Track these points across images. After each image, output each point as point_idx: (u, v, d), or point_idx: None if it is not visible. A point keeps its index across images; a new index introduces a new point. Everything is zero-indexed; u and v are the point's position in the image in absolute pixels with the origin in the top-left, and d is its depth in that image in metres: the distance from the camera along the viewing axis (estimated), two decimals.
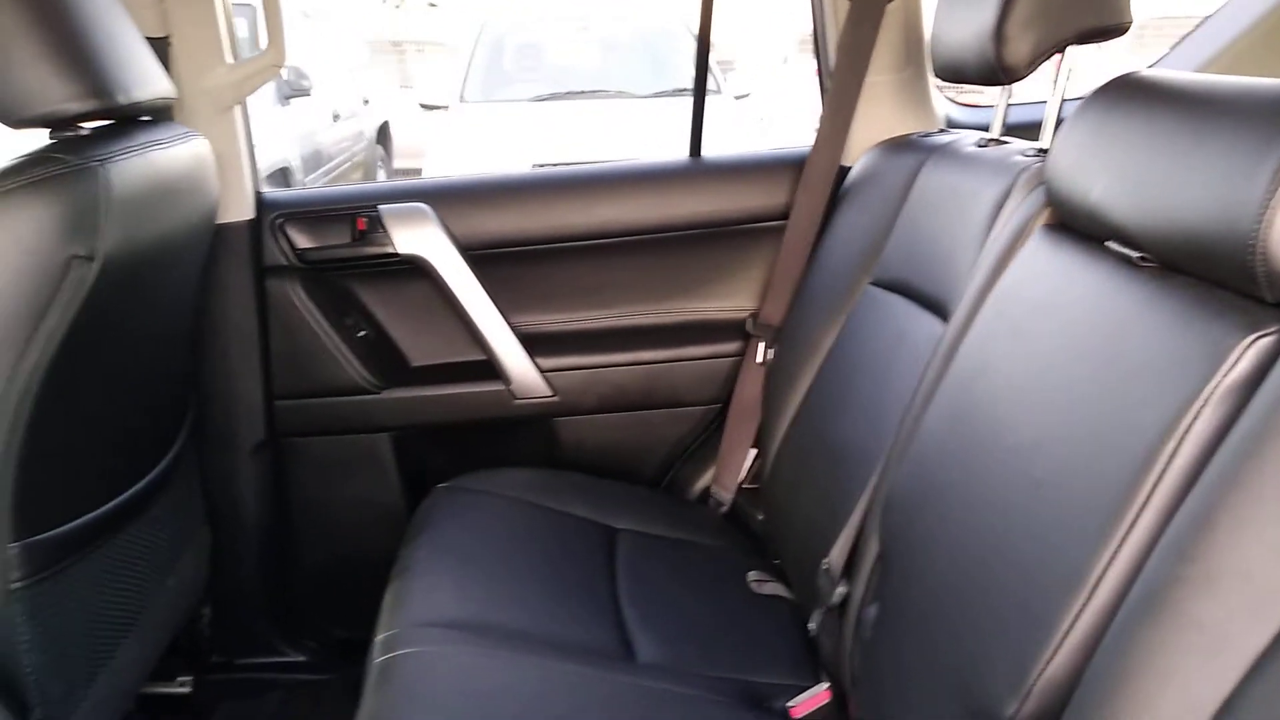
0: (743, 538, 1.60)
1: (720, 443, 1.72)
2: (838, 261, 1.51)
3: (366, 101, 7.06)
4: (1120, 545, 0.71)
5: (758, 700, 1.17)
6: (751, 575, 1.44)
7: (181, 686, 1.63)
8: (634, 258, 1.72)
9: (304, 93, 5.41)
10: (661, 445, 1.78)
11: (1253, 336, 0.67)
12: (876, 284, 1.36)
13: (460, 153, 4.87)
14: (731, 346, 1.72)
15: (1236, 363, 0.67)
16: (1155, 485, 0.70)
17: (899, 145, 1.48)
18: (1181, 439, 0.69)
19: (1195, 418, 0.68)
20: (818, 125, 1.60)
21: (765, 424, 1.58)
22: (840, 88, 1.57)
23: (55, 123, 1.06)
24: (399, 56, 11.21)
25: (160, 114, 1.26)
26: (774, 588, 1.41)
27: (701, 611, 1.33)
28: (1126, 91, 0.89)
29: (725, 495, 1.70)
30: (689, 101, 1.77)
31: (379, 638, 1.17)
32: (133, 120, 1.19)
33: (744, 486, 1.69)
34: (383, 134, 7.28)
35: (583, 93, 5.45)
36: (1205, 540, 0.63)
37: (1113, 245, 0.85)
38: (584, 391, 1.72)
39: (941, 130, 1.56)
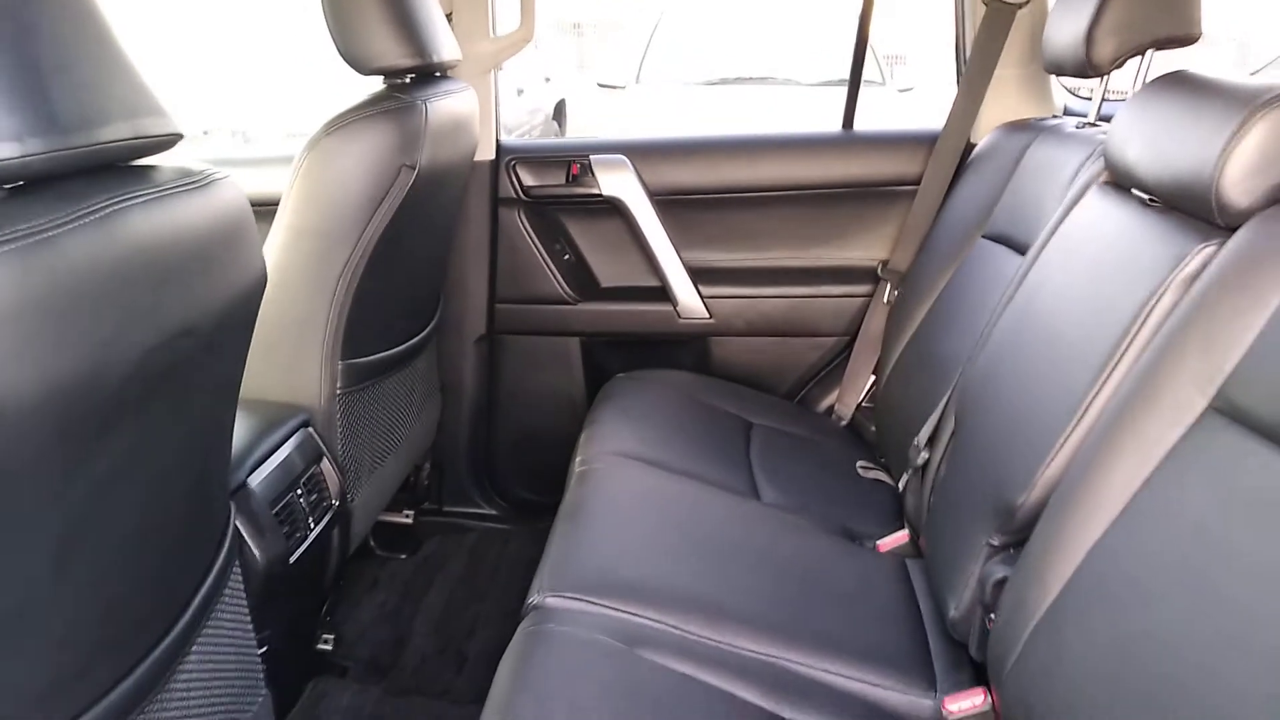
0: (858, 443, 1.96)
1: (845, 368, 2.08)
2: (958, 220, 1.84)
3: (547, 79, 7.58)
4: (1102, 384, 1.05)
5: (853, 536, 1.54)
6: (860, 463, 1.80)
7: (405, 517, 2.12)
8: (787, 209, 2.09)
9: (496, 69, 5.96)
10: (796, 367, 2.15)
11: (1201, 245, 1.00)
12: (986, 237, 1.68)
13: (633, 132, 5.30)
14: (863, 288, 2.07)
15: (1188, 263, 1.01)
16: (1128, 345, 1.04)
17: (1018, 126, 1.80)
18: (1148, 315, 1.03)
19: (1158, 300, 1.02)
20: (950, 108, 1.93)
21: (884, 354, 1.92)
22: (972, 77, 1.89)
23: (390, 73, 1.52)
24: (578, 37, 11.76)
25: (446, 70, 1.71)
26: (877, 474, 1.77)
27: (815, 478, 1.71)
28: (1168, 85, 1.21)
29: (846, 412, 2.06)
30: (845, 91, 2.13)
31: (575, 461, 1.59)
32: (434, 74, 1.65)
33: (862, 406, 2.05)
34: (559, 111, 7.78)
35: (752, 79, 5.79)
36: (1152, 375, 0.97)
37: (1136, 192, 1.18)
38: (735, 316, 2.11)
39: (1055, 116, 1.86)
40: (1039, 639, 1.01)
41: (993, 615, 1.13)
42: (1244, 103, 1.00)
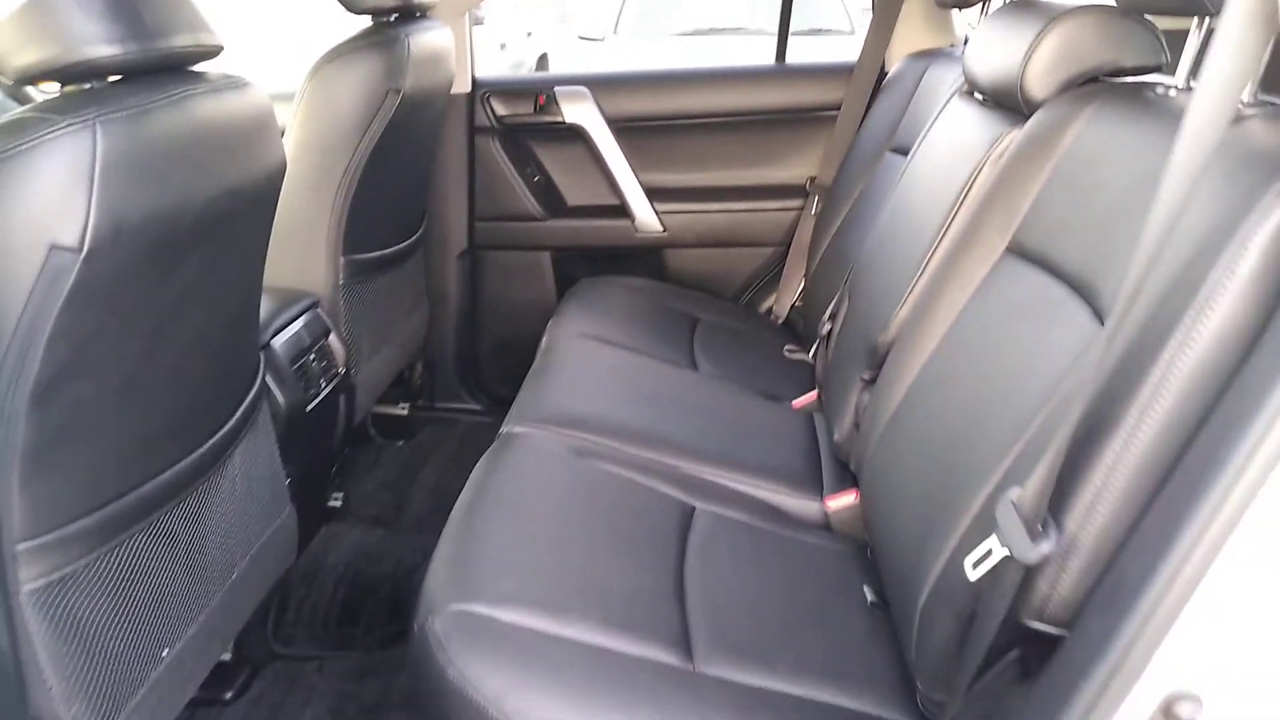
0: (789, 335, 2.26)
1: (781, 273, 2.38)
2: (871, 137, 2.13)
3: (529, 34, 7.80)
4: (939, 242, 1.36)
5: (773, 398, 1.85)
6: (787, 347, 2.11)
7: (401, 410, 2.43)
8: (730, 133, 2.39)
9: (477, 23, 6.20)
10: (740, 274, 2.46)
11: (1010, 129, 1.30)
12: (892, 150, 1.98)
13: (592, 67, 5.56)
14: (795, 202, 2.37)
15: (1000, 144, 1.31)
16: (957, 210, 1.35)
17: (922, 55, 2.09)
18: (971, 185, 1.33)
19: (979, 172, 1.32)
20: (864, 39, 2.22)
21: (810, 258, 2.23)
22: (882, 13, 2.18)
23: (377, 12, 1.80)
24: None
25: (426, 10, 1.98)
26: (801, 355, 2.08)
27: (746, 359, 2.01)
28: (1005, 10, 1.50)
29: (782, 311, 2.36)
30: (819, 39, 2.42)
31: (543, 341, 1.90)
32: (415, 14, 1.93)
33: (795, 305, 2.35)
34: (541, 64, 8.00)
35: (726, 29, 6.04)
36: (970, 230, 1.28)
37: (976, 95, 1.48)
38: (686, 230, 2.41)
39: (952, 45, 2.15)
40: (883, 440, 1.32)
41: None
42: (1045, 17, 1.30)
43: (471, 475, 1.37)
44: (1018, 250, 1.20)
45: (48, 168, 0.86)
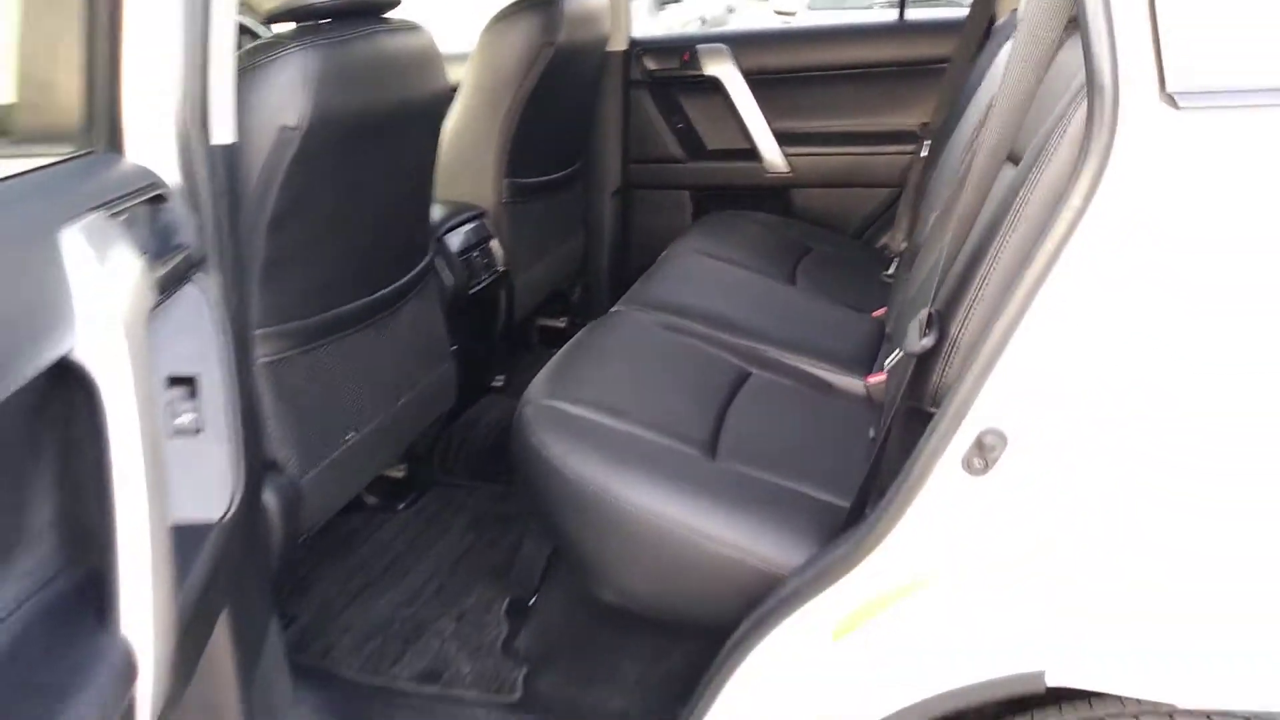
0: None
1: (895, 212, 2.64)
2: (975, 83, 2.35)
3: (731, 10, 8.14)
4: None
5: (856, 309, 2.14)
6: (885, 274, 2.38)
7: (560, 323, 2.88)
8: (852, 84, 2.67)
9: (675, 0, 6.63)
10: (858, 213, 2.74)
11: None
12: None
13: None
14: (909, 147, 2.62)
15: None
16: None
17: None
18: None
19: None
20: None
21: (918, 198, 2.47)
22: None
23: None
24: None
25: None
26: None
27: (843, 281, 2.30)
28: None
29: (896, 247, 2.62)
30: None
31: (663, 254, 2.27)
32: None
33: (904, 243, 2.60)
34: None
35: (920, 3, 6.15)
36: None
37: None
38: (810, 171, 2.71)
39: None
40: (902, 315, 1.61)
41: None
42: None
43: (577, 335, 1.77)
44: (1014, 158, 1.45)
45: (282, 74, 1.32)
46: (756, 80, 2.69)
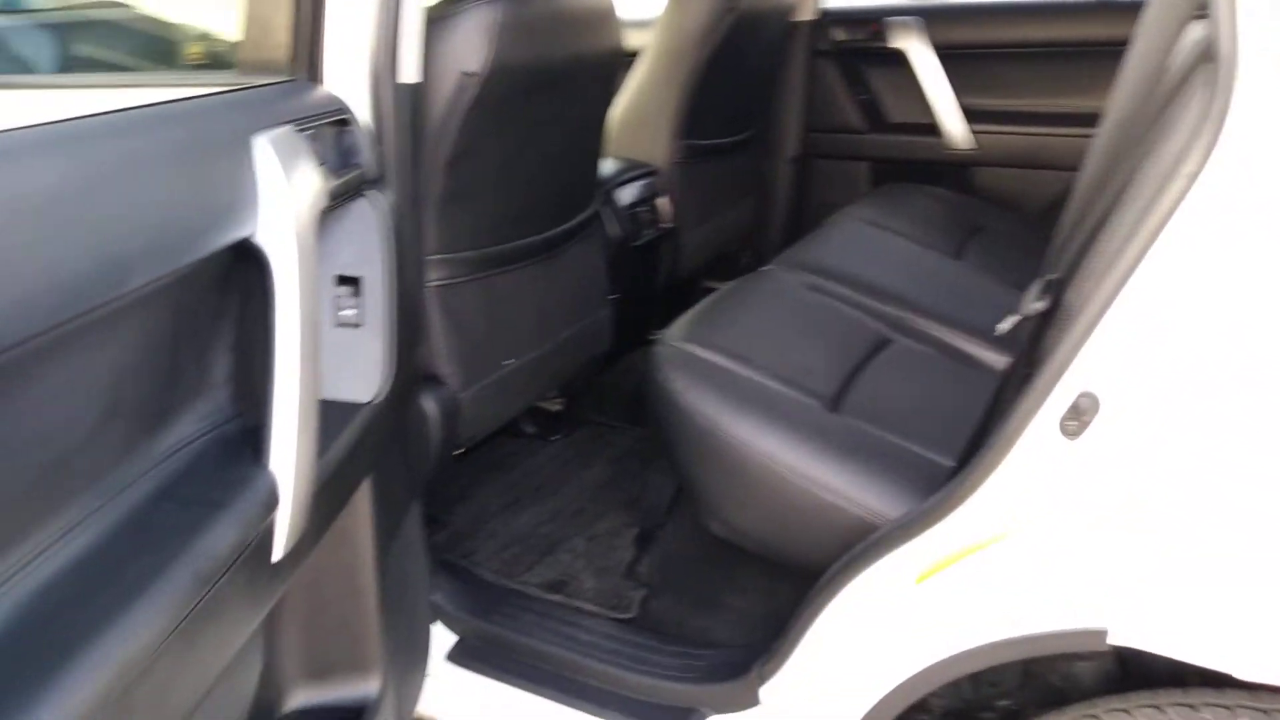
0: None
1: None
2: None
3: None
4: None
5: (1020, 288, 2.10)
6: None
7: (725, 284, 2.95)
8: (1041, 62, 2.58)
9: None
10: (1042, 196, 2.65)
11: None
12: None
13: None
14: (1092, 130, 2.51)
15: None
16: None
17: None
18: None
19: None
20: None
21: None
22: None
23: None
24: None
25: None
26: None
27: (1011, 263, 2.24)
28: None
29: None
30: None
31: (829, 220, 2.31)
32: None
33: None
34: None
35: None
36: None
37: None
38: (993, 149, 2.65)
39: None
40: None
41: None
42: None
43: (724, 286, 1.85)
44: None
45: (467, 24, 1.46)
46: (945, 54, 2.65)
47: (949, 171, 2.75)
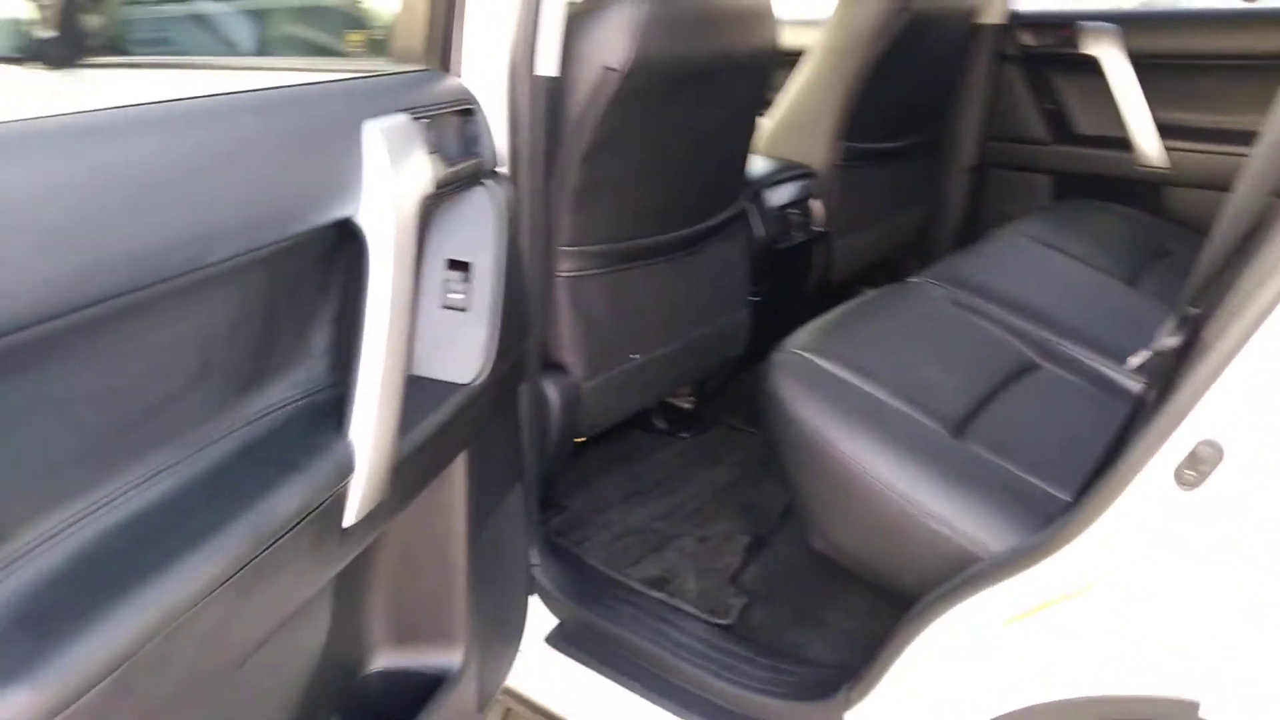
0: None
1: None
2: None
3: None
4: None
5: None
6: None
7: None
8: (1256, 77, 2.34)
9: None
10: None
11: None
12: None
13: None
14: None
15: None
16: None
17: None
18: None
19: None
20: None
21: None
22: None
23: None
24: None
25: None
26: None
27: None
28: None
29: None
30: None
31: (993, 234, 2.19)
32: None
33: None
34: None
35: None
36: None
37: None
38: (1191, 170, 2.44)
39: None
40: None
41: None
42: None
43: (863, 296, 1.79)
44: None
45: (613, 19, 1.47)
46: (1142, 64, 2.46)
47: (1138, 190, 2.54)
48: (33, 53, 1.93)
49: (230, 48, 2.32)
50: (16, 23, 2.07)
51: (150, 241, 0.72)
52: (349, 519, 0.94)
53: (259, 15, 2.44)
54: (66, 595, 0.68)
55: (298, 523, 0.85)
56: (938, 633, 1.14)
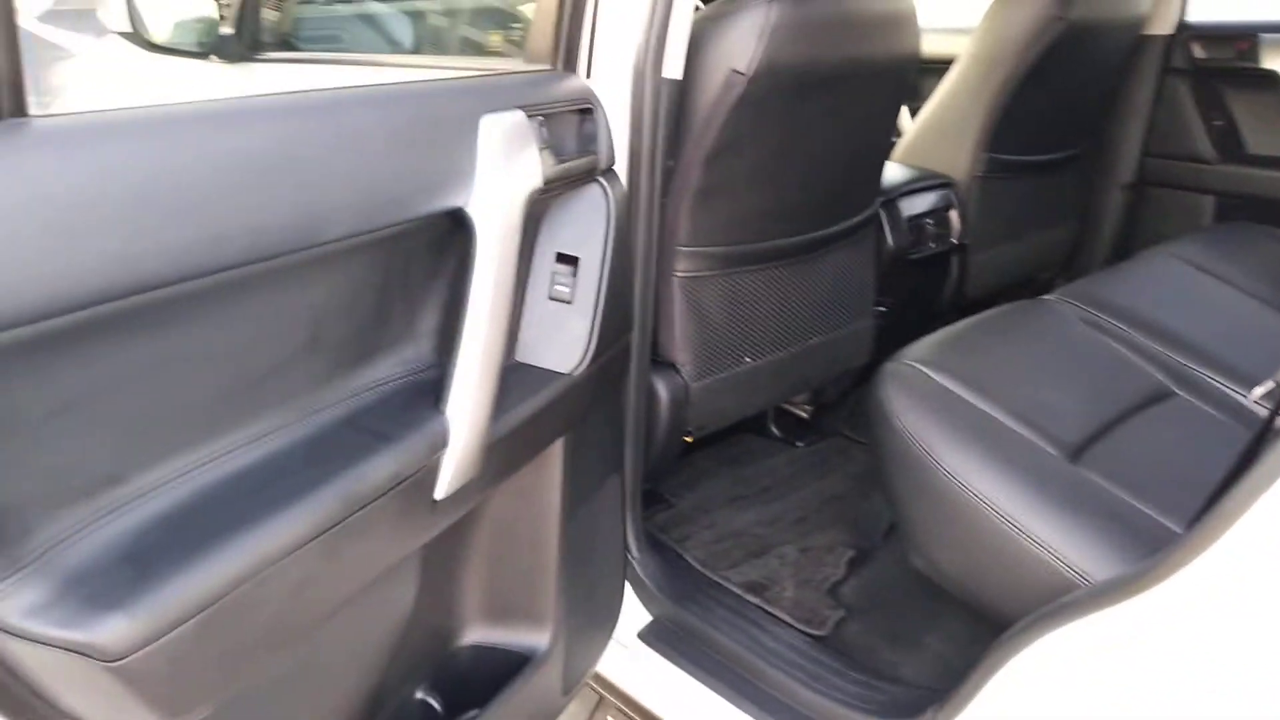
0: None
1: None
2: None
3: None
4: None
5: None
6: None
7: None
8: None
9: None
10: None
11: None
12: None
13: None
14: None
15: None
16: None
17: None
18: None
19: None
20: None
21: None
22: None
23: None
24: None
25: None
26: None
27: None
28: None
29: None
30: None
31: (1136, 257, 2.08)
32: None
33: None
34: None
35: None
36: None
37: None
38: None
39: None
40: None
41: None
42: None
43: (990, 310, 1.73)
44: None
45: (741, 24, 1.48)
46: None
47: None
48: (213, 48, 2.10)
49: (393, 45, 2.45)
50: (202, 21, 2.25)
51: (268, 218, 0.79)
52: (440, 492, 0.99)
53: (419, 16, 2.57)
54: (169, 538, 0.75)
55: (388, 490, 0.90)
56: (1030, 659, 1.10)
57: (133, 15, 2.08)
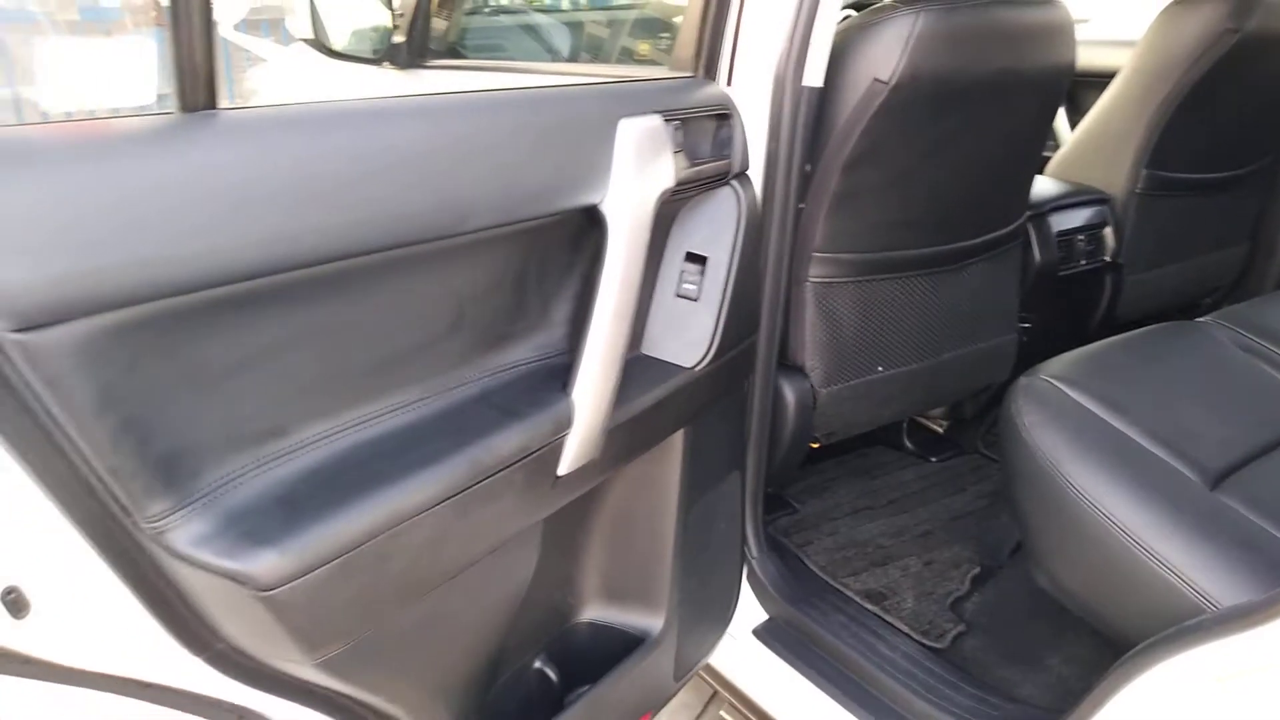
0: None
1: None
2: None
3: None
4: None
5: None
6: None
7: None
8: None
9: None
10: None
11: None
12: None
13: None
14: None
15: None
16: None
17: None
18: None
19: None
20: None
21: None
22: None
23: None
24: None
25: None
26: None
27: None
28: None
29: None
30: None
31: None
32: None
33: None
34: None
35: None
36: None
37: None
38: None
39: None
40: None
41: None
42: None
43: (1137, 330, 1.68)
44: None
45: (887, 33, 1.49)
46: None
47: None
48: (386, 55, 2.26)
49: (551, 54, 2.57)
50: (377, 29, 2.42)
51: (418, 207, 0.87)
52: (563, 469, 1.06)
53: (577, 26, 2.68)
54: (319, 488, 0.84)
55: (515, 462, 0.97)
56: (1150, 683, 1.07)
57: (316, 24, 2.26)
